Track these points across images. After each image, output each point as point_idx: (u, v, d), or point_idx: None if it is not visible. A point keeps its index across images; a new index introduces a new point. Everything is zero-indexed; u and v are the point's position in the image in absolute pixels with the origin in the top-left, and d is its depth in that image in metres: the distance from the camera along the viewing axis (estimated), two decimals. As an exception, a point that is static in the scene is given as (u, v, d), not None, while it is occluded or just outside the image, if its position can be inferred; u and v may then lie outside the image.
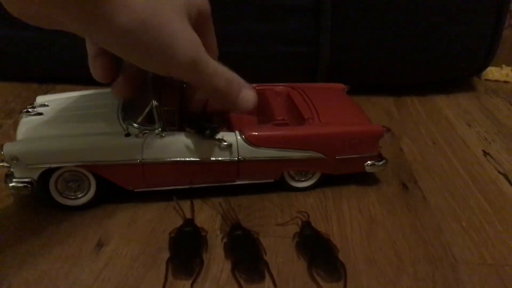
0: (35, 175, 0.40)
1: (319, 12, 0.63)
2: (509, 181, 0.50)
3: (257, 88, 0.52)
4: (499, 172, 0.51)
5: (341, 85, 0.54)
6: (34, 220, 0.41)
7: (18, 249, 0.38)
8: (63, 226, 0.40)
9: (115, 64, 0.38)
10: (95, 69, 0.38)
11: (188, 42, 0.33)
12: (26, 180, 0.40)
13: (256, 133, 0.42)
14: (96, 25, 0.30)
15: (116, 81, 0.39)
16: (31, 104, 0.46)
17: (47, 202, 0.42)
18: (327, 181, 0.46)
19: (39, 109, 0.44)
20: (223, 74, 0.38)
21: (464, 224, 0.42)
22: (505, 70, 0.80)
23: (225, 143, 0.41)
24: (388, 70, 0.69)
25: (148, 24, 0.30)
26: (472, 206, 0.45)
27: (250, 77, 0.54)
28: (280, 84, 0.53)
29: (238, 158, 0.42)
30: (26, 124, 0.43)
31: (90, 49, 0.37)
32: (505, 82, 0.80)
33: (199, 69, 0.35)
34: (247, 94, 0.40)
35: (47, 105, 0.45)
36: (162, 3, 0.31)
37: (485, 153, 0.56)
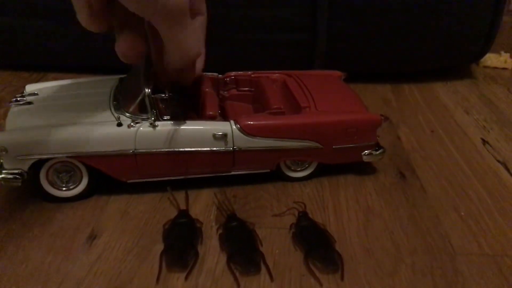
0: (25, 166, 0.39)
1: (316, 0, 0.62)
2: (508, 170, 0.49)
3: (252, 75, 0.51)
4: (498, 161, 0.51)
5: (338, 73, 0.53)
6: (24, 212, 0.40)
7: (8, 242, 0.37)
8: (55, 218, 0.40)
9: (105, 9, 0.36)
10: (91, 15, 0.35)
11: None
12: (16, 171, 0.39)
13: (251, 122, 0.41)
14: None
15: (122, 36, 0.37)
16: (20, 93, 0.45)
17: (38, 193, 0.41)
18: (324, 170, 0.46)
19: (29, 98, 0.43)
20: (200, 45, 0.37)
21: (462, 214, 0.42)
22: (504, 56, 0.80)
23: (220, 133, 0.40)
24: (386, 58, 0.68)
25: None
26: (471, 196, 0.45)
27: (246, 64, 0.53)
28: (276, 71, 0.52)
29: (233, 148, 0.41)
30: (15, 114, 0.42)
31: None
32: (504, 68, 0.79)
33: (180, 22, 0.34)
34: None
35: (36, 94, 0.44)
36: None
37: (484, 142, 0.55)
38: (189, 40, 0.36)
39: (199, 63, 0.43)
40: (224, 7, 0.62)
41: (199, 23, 0.40)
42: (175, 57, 0.37)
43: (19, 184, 0.39)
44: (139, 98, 0.39)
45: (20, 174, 0.39)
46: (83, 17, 0.35)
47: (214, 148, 0.41)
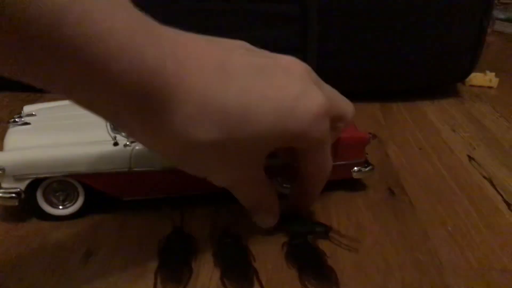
0: (23, 186, 0.40)
1: (306, 20, 0.64)
2: (493, 186, 0.51)
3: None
4: (484, 177, 0.52)
5: (328, 92, 0.55)
6: (20, 230, 0.41)
7: (3, 261, 0.37)
8: (51, 236, 0.40)
9: None
10: None
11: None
12: (14, 190, 0.39)
13: (244, 141, 0.42)
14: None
15: None
16: (18, 114, 0.46)
17: (34, 212, 0.42)
18: (315, 187, 0.47)
19: (26, 119, 0.44)
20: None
21: (450, 229, 0.43)
22: (489, 75, 0.82)
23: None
24: (375, 77, 0.70)
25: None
26: (458, 211, 0.46)
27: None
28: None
29: (226, 166, 0.42)
30: (13, 134, 0.42)
31: None
32: (489, 87, 0.82)
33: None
34: (265, 218, 0.40)
35: (34, 115, 0.45)
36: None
37: (470, 158, 0.57)
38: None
39: None
40: (215, 30, 0.63)
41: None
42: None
43: (16, 203, 0.40)
44: (135, 118, 0.40)
45: (17, 193, 0.39)
46: None
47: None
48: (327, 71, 0.69)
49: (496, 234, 0.43)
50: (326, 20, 0.64)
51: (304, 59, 0.65)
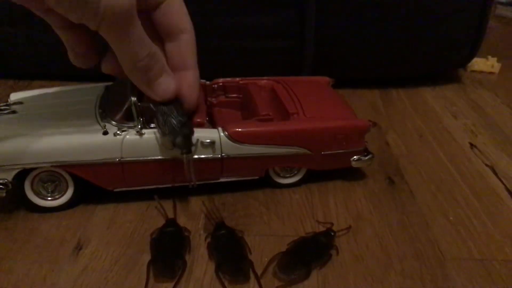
0: (10, 176, 0.38)
1: (304, 6, 0.62)
2: (495, 174, 0.49)
3: (240, 82, 0.51)
4: (486, 165, 0.51)
5: (327, 79, 0.53)
6: (9, 223, 0.39)
7: (-8, 254, 0.36)
8: (40, 228, 0.39)
9: (95, 47, 0.37)
10: (76, 57, 0.37)
11: None
12: (0, 181, 0.38)
13: (239, 130, 0.41)
14: None
15: (106, 57, 0.37)
16: (5, 102, 0.44)
17: (22, 203, 0.41)
18: (313, 176, 0.45)
19: (13, 107, 0.43)
20: (148, 46, 0.35)
21: (451, 218, 0.42)
22: (491, 61, 0.80)
23: (208, 140, 0.40)
24: (374, 63, 0.69)
25: None
26: (459, 201, 0.45)
27: (234, 71, 0.53)
28: (264, 78, 0.51)
29: (221, 155, 0.41)
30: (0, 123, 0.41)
31: (68, 40, 0.36)
32: (491, 73, 0.80)
33: (124, 27, 0.33)
34: (167, 81, 0.38)
35: (21, 103, 0.44)
36: None
37: (472, 146, 0.55)
38: (136, 48, 0.35)
39: (188, 80, 0.40)
40: (212, 14, 0.62)
41: (185, 40, 0.39)
42: (126, 65, 0.36)
43: (3, 194, 0.38)
44: (126, 106, 0.39)
45: (4, 184, 0.38)
46: (70, 58, 0.38)
47: (202, 156, 0.41)
48: (326, 59, 0.68)
49: (498, 223, 0.42)
50: (324, 7, 0.62)
51: (301, 46, 0.64)
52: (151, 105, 0.39)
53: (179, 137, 0.38)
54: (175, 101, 0.39)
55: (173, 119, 0.38)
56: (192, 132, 0.39)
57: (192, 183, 0.40)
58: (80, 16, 0.31)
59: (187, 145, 0.38)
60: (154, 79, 0.37)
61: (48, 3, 0.31)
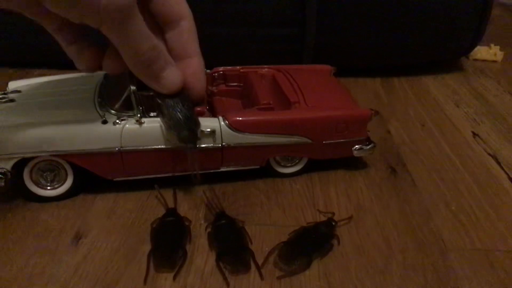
0: (9, 166, 0.38)
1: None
2: (498, 163, 0.49)
3: (241, 70, 0.50)
4: (489, 154, 0.51)
5: (328, 67, 0.53)
6: (8, 212, 0.39)
7: (-10, 244, 0.36)
8: (39, 218, 0.39)
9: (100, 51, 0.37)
10: (82, 61, 0.36)
11: None
12: (-1, 171, 0.38)
13: (240, 119, 0.41)
14: None
15: (107, 54, 0.36)
16: (3, 91, 0.44)
17: (21, 193, 0.40)
18: (314, 166, 0.45)
19: (12, 96, 0.42)
20: (150, 39, 0.34)
21: (453, 208, 0.42)
22: (494, 49, 0.80)
23: (208, 129, 0.40)
24: (376, 51, 0.68)
25: None
26: (462, 190, 0.44)
27: (235, 59, 0.53)
28: (265, 66, 0.51)
29: (222, 145, 0.41)
30: (-3, 112, 0.40)
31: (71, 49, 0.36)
32: (493, 61, 0.79)
33: (125, 22, 0.32)
34: (173, 73, 0.37)
35: (20, 91, 0.43)
36: None
37: (474, 135, 0.55)
38: (138, 42, 0.34)
39: (192, 68, 0.39)
40: (212, 1, 0.61)
41: (185, 27, 0.38)
42: (130, 60, 0.35)
43: (2, 184, 0.38)
44: (125, 94, 0.39)
45: (3, 174, 0.38)
46: (76, 65, 0.37)
47: (203, 145, 0.40)
48: (327, 47, 0.67)
49: (501, 213, 0.41)
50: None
51: (303, 33, 0.64)
52: (157, 99, 0.38)
53: (184, 131, 0.37)
54: (181, 93, 0.38)
55: (178, 113, 0.37)
56: (198, 126, 0.38)
57: (195, 174, 0.39)
58: (80, 15, 0.31)
59: (193, 139, 0.38)
60: (159, 72, 0.36)
61: (47, 5, 0.30)
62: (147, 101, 0.39)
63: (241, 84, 0.50)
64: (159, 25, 0.38)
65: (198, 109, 0.41)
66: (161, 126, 0.39)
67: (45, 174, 0.40)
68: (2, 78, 0.63)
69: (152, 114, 0.39)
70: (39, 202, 0.40)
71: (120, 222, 0.39)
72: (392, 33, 0.66)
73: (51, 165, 0.39)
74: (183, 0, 0.38)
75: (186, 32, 0.38)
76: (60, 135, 0.38)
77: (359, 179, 0.45)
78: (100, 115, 0.39)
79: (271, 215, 0.40)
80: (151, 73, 0.36)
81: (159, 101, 0.38)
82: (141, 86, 0.39)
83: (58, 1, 0.30)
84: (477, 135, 0.55)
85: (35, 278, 0.33)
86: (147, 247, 0.35)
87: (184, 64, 0.38)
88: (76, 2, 0.29)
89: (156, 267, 0.34)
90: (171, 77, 0.37)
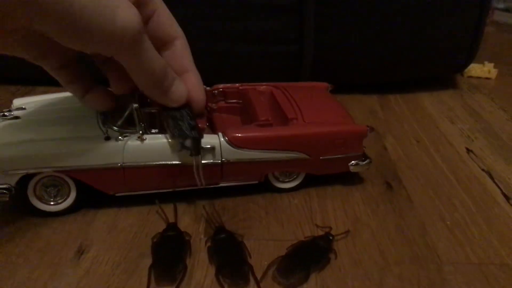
0: (13, 181, 0.39)
1: (303, 11, 0.63)
2: (492, 178, 0.50)
3: (240, 87, 0.52)
4: (482, 170, 0.52)
5: (325, 84, 0.54)
6: (12, 227, 0.40)
7: (-6, 258, 0.37)
8: (42, 233, 0.39)
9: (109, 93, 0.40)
10: (92, 102, 0.40)
11: (129, 15, 0.32)
12: (4, 186, 0.38)
13: (239, 135, 0.42)
14: None
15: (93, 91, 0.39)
16: (7, 108, 0.45)
17: (25, 208, 0.41)
18: (311, 181, 0.46)
19: (16, 113, 0.43)
20: (160, 59, 0.36)
21: (448, 223, 0.43)
22: (487, 66, 0.81)
23: (208, 146, 0.41)
24: (372, 69, 0.69)
25: None
26: (456, 205, 0.45)
27: (234, 76, 0.54)
28: (263, 83, 0.52)
29: (221, 160, 0.42)
30: (2, 129, 0.41)
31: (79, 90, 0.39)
32: (487, 78, 0.81)
33: (138, 47, 0.33)
34: (180, 86, 0.39)
35: (24, 108, 0.44)
36: None
37: (468, 151, 0.56)
38: (152, 65, 0.35)
39: (191, 81, 0.41)
40: (212, 19, 0.62)
41: (180, 46, 0.40)
42: (144, 81, 0.37)
43: (7, 199, 0.39)
44: (127, 112, 0.40)
45: (8, 189, 0.39)
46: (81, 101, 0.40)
47: (202, 161, 0.41)
48: (324, 63, 0.69)
49: (495, 227, 0.42)
50: (323, 12, 0.63)
51: (301, 50, 0.65)
52: (164, 112, 0.40)
53: (189, 140, 0.39)
54: (185, 105, 0.40)
55: (183, 123, 0.39)
56: (201, 135, 0.40)
57: (201, 184, 0.41)
58: (95, 46, 0.32)
59: (196, 147, 0.39)
60: (169, 87, 0.38)
61: (60, 40, 0.31)
62: (149, 118, 0.40)
63: (240, 101, 0.51)
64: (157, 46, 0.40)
65: (199, 125, 0.42)
66: (162, 142, 0.40)
67: (48, 189, 0.40)
68: (6, 95, 0.64)
69: (153, 130, 0.40)
70: (42, 217, 0.41)
71: (121, 237, 0.39)
72: (388, 50, 0.68)
73: (54, 180, 0.40)
74: (175, 22, 0.40)
75: (180, 49, 0.40)
76: (63, 151, 0.39)
77: (356, 194, 0.46)
78: (103, 131, 0.40)
79: (269, 229, 0.41)
80: (163, 89, 0.38)
81: (165, 114, 0.40)
82: (143, 104, 0.40)
83: (72, 36, 0.31)
84: (471, 151, 0.56)
85: (38, 292, 0.34)
86: (148, 261, 0.36)
87: (183, 79, 0.40)
88: (92, 36, 0.31)
89: (157, 281, 0.35)
90: (179, 90, 0.39)
